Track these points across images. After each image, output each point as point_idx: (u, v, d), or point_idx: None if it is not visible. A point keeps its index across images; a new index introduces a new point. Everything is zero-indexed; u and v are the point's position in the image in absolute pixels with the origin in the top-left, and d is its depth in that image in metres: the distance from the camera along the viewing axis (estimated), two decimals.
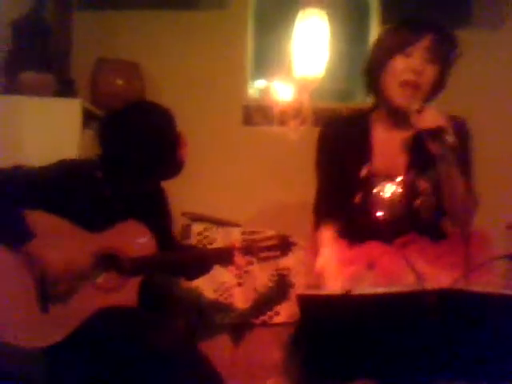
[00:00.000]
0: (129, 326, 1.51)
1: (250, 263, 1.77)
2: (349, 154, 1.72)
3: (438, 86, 1.69)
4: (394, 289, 1.31)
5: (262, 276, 2.69)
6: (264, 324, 2.57)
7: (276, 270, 2.70)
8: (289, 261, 2.63)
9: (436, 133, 1.51)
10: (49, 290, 1.51)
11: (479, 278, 1.45)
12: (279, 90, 3.25)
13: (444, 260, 1.57)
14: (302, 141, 2.87)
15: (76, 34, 3.14)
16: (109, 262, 1.59)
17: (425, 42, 1.61)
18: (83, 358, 1.49)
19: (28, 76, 2.50)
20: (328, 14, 2.98)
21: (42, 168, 1.63)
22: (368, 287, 1.47)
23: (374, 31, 3.34)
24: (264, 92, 3.37)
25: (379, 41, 1.74)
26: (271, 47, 3.29)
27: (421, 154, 1.66)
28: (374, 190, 1.70)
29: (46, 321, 1.50)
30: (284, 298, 2.65)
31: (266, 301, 2.64)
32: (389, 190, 1.71)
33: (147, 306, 1.61)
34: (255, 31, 3.35)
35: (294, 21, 3.00)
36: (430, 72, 1.63)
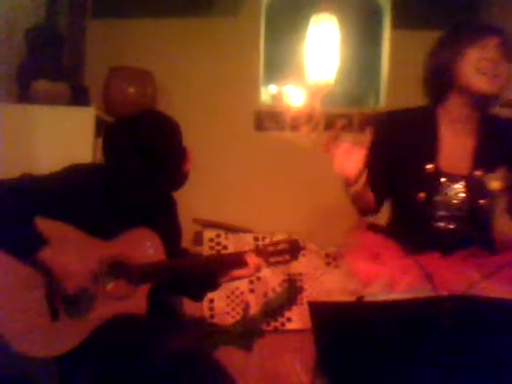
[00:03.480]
0: (140, 334, 1.50)
1: (262, 266, 1.75)
2: (413, 146, 1.68)
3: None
4: (406, 295, 1.30)
5: (273, 281, 2.68)
6: (276, 330, 2.56)
7: (287, 275, 2.69)
8: (300, 266, 2.62)
9: None
10: (59, 299, 1.51)
11: None
12: (291, 96, 3.25)
13: (501, 275, 1.50)
14: (314, 146, 2.86)
15: (89, 43, 3.17)
16: (118, 269, 1.59)
17: (495, 39, 1.64)
18: (94, 367, 1.48)
19: (41, 85, 2.53)
20: (340, 18, 2.97)
21: (50, 175, 1.63)
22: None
23: (386, 36, 3.33)
24: (276, 97, 3.37)
25: (450, 35, 1.73)
26: (283, 53, 3.29)
27: (489, 151, 1.65)
28: (440, 189, 1.66)
29: (56, 329, 1.50)
30: (294, 303, 2.64)
31: (276, 306, 2.63)
32: (454, 189, 1.66)
33: (157, 313, 1.60)
34: (267, 37, 3.36)
35: (305, 26, 3.00)
36: (504, 66, 1.63)
